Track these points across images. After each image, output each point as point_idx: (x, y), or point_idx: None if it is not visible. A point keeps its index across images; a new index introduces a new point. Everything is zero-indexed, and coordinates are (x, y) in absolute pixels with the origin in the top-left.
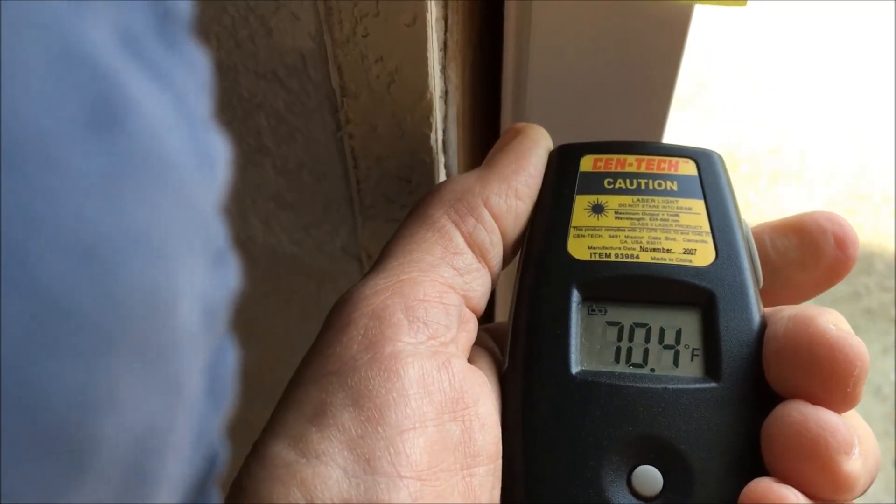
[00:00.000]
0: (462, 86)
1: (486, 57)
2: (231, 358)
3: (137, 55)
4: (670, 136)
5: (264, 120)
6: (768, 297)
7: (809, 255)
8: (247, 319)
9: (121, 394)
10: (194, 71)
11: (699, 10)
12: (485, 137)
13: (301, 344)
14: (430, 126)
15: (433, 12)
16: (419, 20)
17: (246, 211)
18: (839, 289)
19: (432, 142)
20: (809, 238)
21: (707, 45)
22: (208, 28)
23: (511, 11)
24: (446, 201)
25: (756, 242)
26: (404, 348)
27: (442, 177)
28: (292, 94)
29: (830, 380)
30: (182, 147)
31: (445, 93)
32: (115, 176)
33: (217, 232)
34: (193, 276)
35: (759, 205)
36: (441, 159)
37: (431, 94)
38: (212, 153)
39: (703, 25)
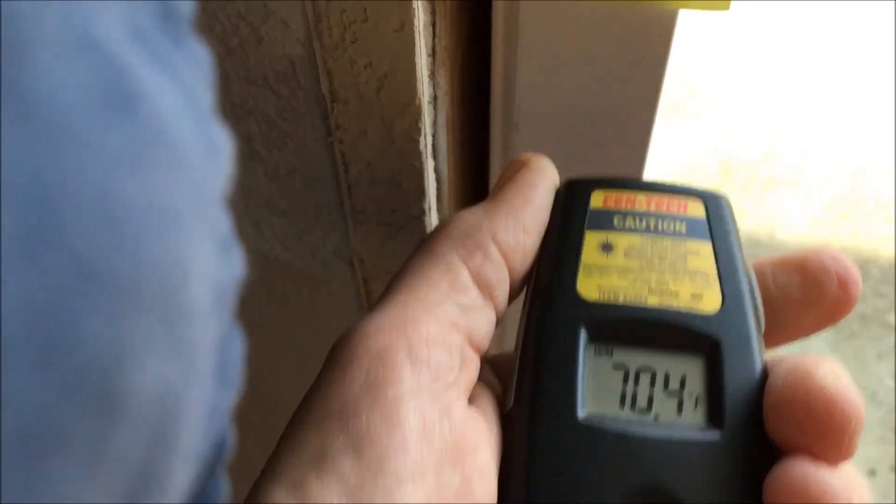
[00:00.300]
0: (451, 91)
1: (476, 61)
2: (239, 344)
3: (146, 48)
4: (665, 144)
5: (255, 125)
6: (767, 332)
7: (812, 293)
8: (242, 326)
9: (144, 353)
10: (198, 65)
11: (690, 18)
12: (475, 142)
13: (295, 351)
14: (419, 131)
15: (421, 18)
16: (407, 26)
17: (238, 216)
18: None
19: (421, 147)
20: (813, 277)
21: (699, 51)
22: (199, 36)
23: (499, 16)
24: (454, 237)
25: (758, 277)
26: (406, 392)
27: (431, 181)
28: (283, 99)
29: (826, 435)
30: (190, 134)
31: (434, 98)
32: (132, 151)
33: (223, 220)
34: (203, 255)
35: (755, 212)
36: (430, 164)
37: (420, 100)
38: (218, 143)
39: (696, 32)
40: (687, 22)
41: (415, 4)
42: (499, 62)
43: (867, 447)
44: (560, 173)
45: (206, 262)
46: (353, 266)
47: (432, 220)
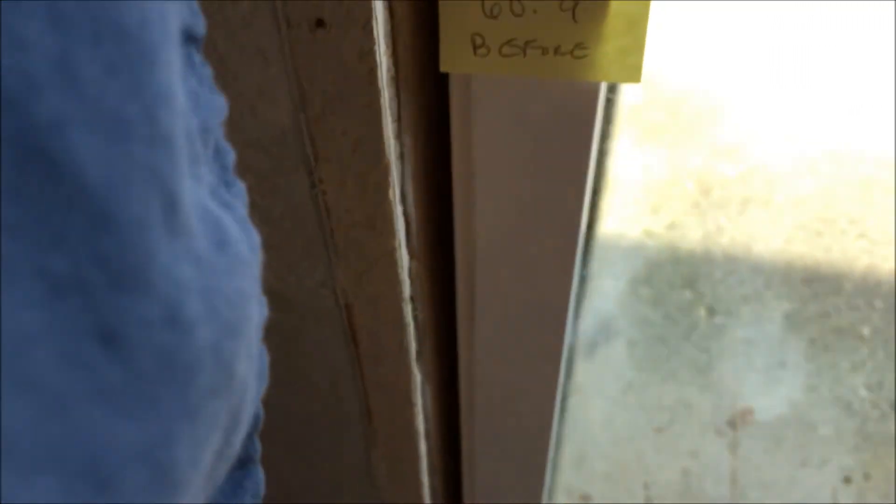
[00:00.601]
0: (416, 148)
1: (440, 120)
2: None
3: (219, 201)
4: (646, 165)
5: (252, 179)
6: None
7: None
8: None
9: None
10: (241, 196)
11: (669, 47)
12: (441, 184)
13: (282, 369)
14: (388, 183)
15: (386, 96)
16: (374, 102)
17: None
18: (809, 309)
19: (391, 196)
20: None
21: (676, 76)
22: None
23: (454, 91)
24: None
25: None
26: None
27: (401, 223)
28: (274, 158)
29: None
30: (247, 247)
31: (402, 154)
32: (229, 265)
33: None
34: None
35: (731, 229)
36: (399, 209)
37: (389, 158)
38: (254, 241)
39: (675, 59)
40: (667, 50)
41: (380, 85)
42: (456, 125)
43: (842, 456)
44: (515, 208)
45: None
46: (336, 294)
47: (403, 255)
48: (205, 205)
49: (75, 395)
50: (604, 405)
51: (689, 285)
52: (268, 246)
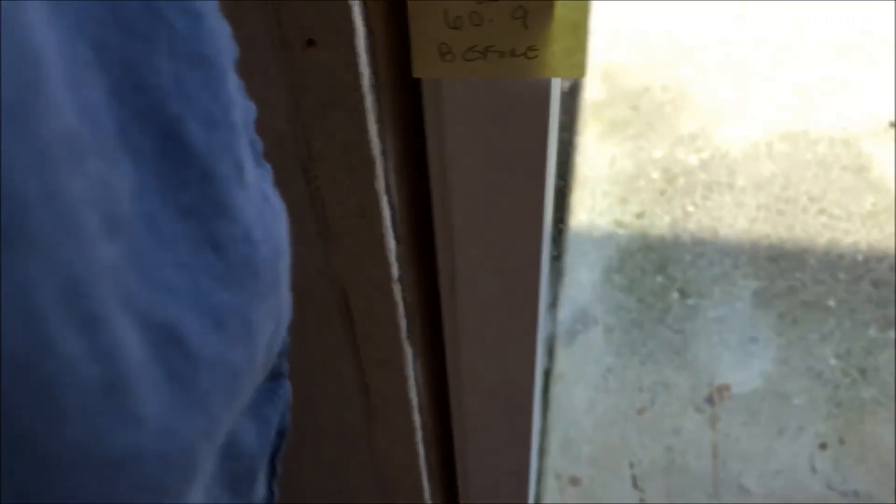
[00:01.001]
0: (397, 144)
1: (417, 121)
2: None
3: (257, 172)
4: (613, 156)
5: None
6: None
7: None
8: None
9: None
10: (270, 173)
11: (631, 42)
12: (421, 176)
13: (290, 360)
14: (374, 176)
15: (369, 102)
16: (359, 108)
17: None
18: (777, 285)
19: (377, 187)
20: None
21: (636, 73)
22: None
23: (427, 94)
24: None
25: None
26: None
27: (386, 212)
28: (274, 159)
29: None
30: (277, 200)
31: (385, 151)
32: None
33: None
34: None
35: (697, 214)
36: (385, 199)
37: (373, 156)
38: (281, 205)
39: (632, 54)
40: (626, 48)
41: (364, 92)
42: (430, 124)
43: (817, 424)
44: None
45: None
46: (332, 280)
47: (390, 240)
48: (252, 171)
49: (201, 275)
50: (586, 391)
51: (660, 270)
52: None
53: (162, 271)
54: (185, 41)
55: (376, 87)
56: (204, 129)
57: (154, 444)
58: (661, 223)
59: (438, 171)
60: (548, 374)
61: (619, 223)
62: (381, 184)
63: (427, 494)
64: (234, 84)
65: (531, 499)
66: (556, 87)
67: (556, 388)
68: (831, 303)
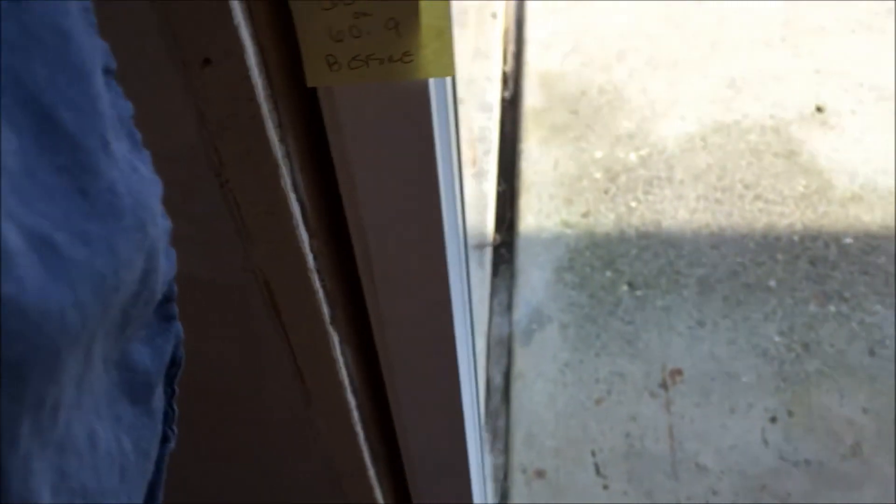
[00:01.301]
0: (300, 146)
1: (318, 122)
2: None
3: (134, 154)
4: (557, 159)
5: (174, 186)
6: None
7: None
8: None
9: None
10: (148, 157)
11: (563, 50)
12: (328, 174)
13: (228, 350)
14: (279, 176)
15: (266, 110)
16: (256, 116)
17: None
18: (720, 270)
19: (283, 186)
20: None
21: (572, 79)
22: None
23: (323, 100)
24: None
25: None
26: None
27: (296, 208)
28: (188, 168)
29: None
30: (150, 173)
31: (288, 154)
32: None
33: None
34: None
35: (640, 209)
36: (293, 196)
37: (276, 157)
38: (157, 180)
39: (567, 62)
40: (561, 57)
41: (259, 101)
42: (329, 125)
43: (766, 399)
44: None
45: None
46: (255, 273)
47: (303, 234)
48: (123, 150)
49: (72, 211)
50: (545, 386)
51: (608, 266)
52: (194, 241)
53: (40, 204)
54: (55, 53)
55: (273, 96)
56: (74, 114)
57: (32, 297)
58: (606, 220)
59: (343, 168)
60: (508, 373)
61: (566, 223)
62: (286, 182)
63: (372, 474)
64: (100, 85)
65: (496, 497)
66: (434, 84)
67: (517, 387)
68: (772, 283)
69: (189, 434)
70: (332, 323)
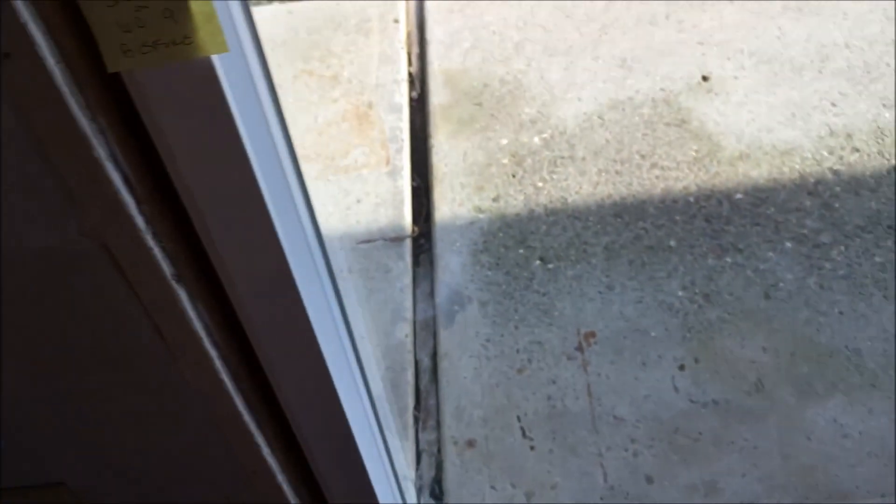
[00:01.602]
0: (113, 122)
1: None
2: None
3: None
4: (466, 150)
5: (9, 170)
6: None
7: None
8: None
9: None
10: None
11: (463, 49)
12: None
13: (93, 311)
14: (92, 148)
15: (67, 92)
16: (60, 100)
17: None
18: (624, 236)
19: (98, 157)
20: None
21: (474, 74)
22: None
23: (128, 82)
24: None
25: None
26: None
27: (116, 177)
28: (15, 152)
29: None
30: None
31: (102, 130)
32: None
33: None
34: None
35: (547, 188)
36: (111, 164)
37: (84, 132)
38: None
39: (467, 59)
40: (462, 55)
41: (59, 85)
42: (139, 104)
43: (674, 350)
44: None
45: None
46: (94, 239)
47: (128, 199)
48: None
49: None
50: (470, 362)
51: (520, 244)
52: (31, 213)
53: None
54: None
55: (76, 80)
56: None
57: None
58: (515, 202)
59: (160, 140)
60: (434, 354)
61: (478, 209)
62: (100, 153)
63: (249, 419)
64: None
65: (431, 471)
66: (217, 61)
67: (444, 365)
68: (672, 243)
69: (76, 404)
70: (179, 280)
